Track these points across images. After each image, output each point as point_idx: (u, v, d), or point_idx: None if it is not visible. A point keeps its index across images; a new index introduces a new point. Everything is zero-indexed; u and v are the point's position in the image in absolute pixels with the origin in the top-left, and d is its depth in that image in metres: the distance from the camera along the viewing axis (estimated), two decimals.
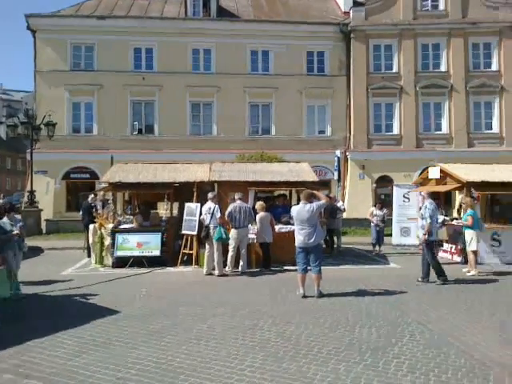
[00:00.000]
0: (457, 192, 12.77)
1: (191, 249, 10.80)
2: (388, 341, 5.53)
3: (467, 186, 11.50)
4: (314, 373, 4.58)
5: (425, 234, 9.08)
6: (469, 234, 10.09)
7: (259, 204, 10.74)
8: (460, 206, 12.66)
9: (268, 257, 10.57)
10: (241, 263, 10.17)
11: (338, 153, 20.39)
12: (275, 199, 12.98)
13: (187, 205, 10.97)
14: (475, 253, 10.04)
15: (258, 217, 10.50)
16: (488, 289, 8.65)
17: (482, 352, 5.19)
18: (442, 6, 24.66)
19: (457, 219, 12.35)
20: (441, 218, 11.30)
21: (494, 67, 24.33)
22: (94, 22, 23.65)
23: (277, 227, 10.95)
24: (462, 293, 8.22)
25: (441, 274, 8.99)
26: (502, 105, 24.11)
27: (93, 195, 13.58)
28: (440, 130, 24.49)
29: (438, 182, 13.03)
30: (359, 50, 24.46)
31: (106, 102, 23.56)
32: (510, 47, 24.09)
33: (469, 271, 9.95)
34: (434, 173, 12.89)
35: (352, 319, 6.46)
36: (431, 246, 9.14)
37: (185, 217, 10.89)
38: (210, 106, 24.48)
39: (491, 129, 24.36)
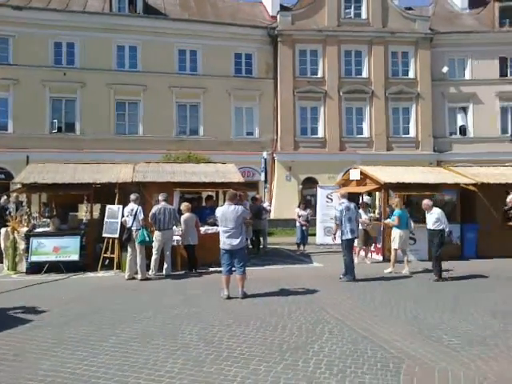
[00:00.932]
0: (377, 193, 13.35)
1: (113, 252, 10.41)
2: (308, 339, 5.63)
3: (384, 188, 12.07)
4: (234, 375, 4.55)
5: (334, 234, 9.70)
6: (394, 233, 10.53)
7: (184, 205, 10.57)
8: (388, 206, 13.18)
9: (193, 259, 10.43)
10: (165, 266, 9.96)
11: (264, 154, 20.63)
12: (204, 201, 12.87)
13: (108, 207, 10.56)
14: (395, 251, 10.52)
15: (182, 218, 10.33)
16: (402, 285, 9.10)
17: (396, 346, 5.42)
18: (364, 15, 25.75)
19: (379, 219, 12.89)
20: (364, 216, 11.72)
21: (411, 75, 25.80)
22: (10, 12, 22.22)
23: (203, 229, 10.86)
24: (379, 289, 8.59)
25: (348, 272, 9.36)
26: (418, 111, 25.61)
27: (5, 197, 12.71)
28: (362, 133, 25.57)
29: (359, 183, 13.57)
30: (286, 54, 24.94)
31: (23, 98, 22.17)
32: (425, 57, 25.66)
33: (403, 268, 10.32)
34: (354, 174, 13.42)
35: (275, 319, 6.51)
36: (345, 244, 9.53)
37: (106, 219, 10.48)
38: (135, 104, 23.84)
39: (408, 133, 25.80)
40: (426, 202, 9.96)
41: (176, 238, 10.42)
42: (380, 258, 12.09)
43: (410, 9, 28.40)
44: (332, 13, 25.34)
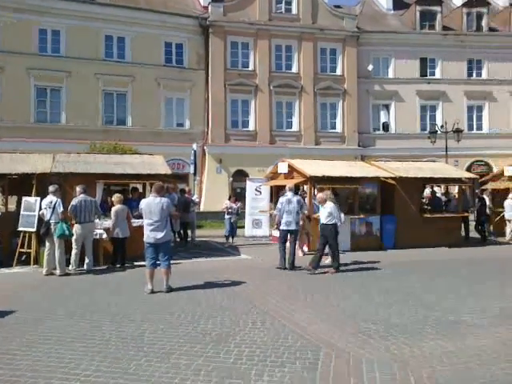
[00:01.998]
0: (305, 186, 13.60)
1: (30, 247, 9.86)
2: (231, 331, 5.65)
3: (310, 181, 12.39)
4: (154, 370, 4.46)
5: (277, 224, 10.16)
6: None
7: (116, 196, 10.15)
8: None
9: (122, 252, 10.09)
10: (86, 261, 9.59)
11: (194, 146, 20.43)
12: (130, 192, 12.49)
13: (25, 199, 9.97)
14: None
15: (113, 209, 9.94)
16: (326, 277, 9.39)
17: (316, 334, 5.59)
18: (294, 11, 26.15)
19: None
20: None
21: (339, 72, 26.60)
22: None
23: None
24: (305, 280, 8.82)
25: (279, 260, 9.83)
26: (344, 107, 26.49)
27: None
28: (291, 127, 26.05)
29: (287, 176, 13.82)
30: (217, 45, 24.79)
31: None
32: (351, 54, 26.55)
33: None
34: (282, 168, 13.64)
35: (199, 312, 6.48)
36: (281, 234, 9.97)
37: (22, 212, 9.89)
38: (58, 91, 22.70)
39: (335, 128, 26.64)
40: (320, 195, 9.94)
41: (99, 231, 10.04)
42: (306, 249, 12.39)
43: (338, 7, 29.25)
44: (263, 6, 25.49)
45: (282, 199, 10.02)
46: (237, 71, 25.17)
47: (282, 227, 9.90)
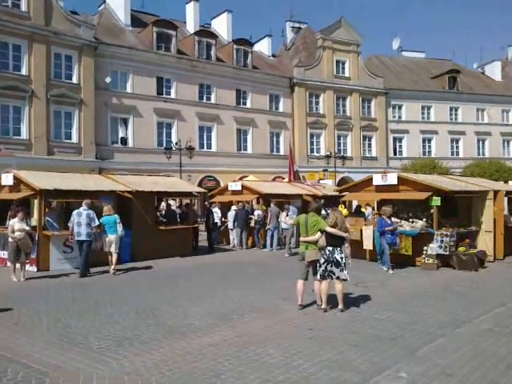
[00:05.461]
0: (35, 200, 12.37)
1: None
2: None
3: (40, 194, 11.43)
4: None
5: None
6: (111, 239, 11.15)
7: None
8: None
9: None
10: None
11: None
12: None
13: None
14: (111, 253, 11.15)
15: None
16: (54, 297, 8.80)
17: (40, 359, 5.18)
18: (24, 8, 23.85)
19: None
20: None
21: (75, 80, 25.40)
22: None
23: None
24: (31, 301, 8.06)
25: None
26: (81, 117, 25.42)
27: None
28: (19, 135, 23.54)
29: (12, 189, 12.41)
30: None
31: None
32: (88, 64, 25.73)
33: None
34: (6, 179, 12.19)
35: None
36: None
37: None
38: None
39: (71, 139, 25.28)
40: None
41: None
42: (34, 268, 11.34)
43: (75, 13, 28.06)
44: None
45: (74, 212, 10.80)
46: None
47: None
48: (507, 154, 40.07)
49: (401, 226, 12.37)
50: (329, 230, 7.26)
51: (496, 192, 13.35)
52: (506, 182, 20.57)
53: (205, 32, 31.72)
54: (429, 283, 9.89)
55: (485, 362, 5.09)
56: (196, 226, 15.77)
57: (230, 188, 18.47)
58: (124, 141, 27.21)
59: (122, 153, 26.90)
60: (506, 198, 14.46)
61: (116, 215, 11.29)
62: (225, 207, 17.99)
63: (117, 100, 27.00)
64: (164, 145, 26.92)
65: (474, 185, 14.01)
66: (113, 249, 11.12)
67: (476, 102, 39.37)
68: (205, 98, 30.34)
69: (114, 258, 11.15)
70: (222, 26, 35.24)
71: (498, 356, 5.28)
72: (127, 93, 27.40)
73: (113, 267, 11.09)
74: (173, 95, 29.00)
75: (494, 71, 43.11)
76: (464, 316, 7.02)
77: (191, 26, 33.06)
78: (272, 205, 15.98)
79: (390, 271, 11.14)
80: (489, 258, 12.47)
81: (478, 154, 38.88)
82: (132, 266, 12.28)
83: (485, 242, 12.83)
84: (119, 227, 11.22)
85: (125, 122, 27.42)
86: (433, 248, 11.69)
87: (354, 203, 18.78)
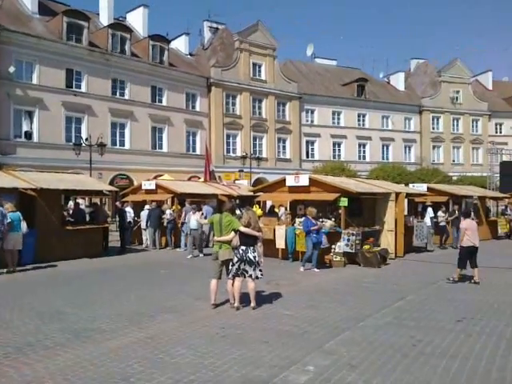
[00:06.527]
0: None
1: None
2: None
3: None
4: None
5: None
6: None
7: None
8: None
9: None
10: None
11: None
12: None
13: None
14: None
15: None
16: None
17: None
18: None
19: None
20: None
21: None
22: None
23: None
24: None
25: None
26: None
27: None
28: None
29: None
30: None
31: None
32: None
33: None
34: None
35: None
36: None
37: None
38: None
39: None
40: None
41: None
42: None
43: None
44: None
45: None
46: None
47: None
48: (408, 159, 43.15)
49: (324, 226, 12.65)
50: (242, 229, 7.35)
51: (397, 194, 14.32)
52: (406, 184, 22.18)
53: (119, 25, 30.69)
54: (336, 280, 10.38)
55: (384, 353, 5.44)
56: (106, 225, 15.19)
57: (143, 187, 18.03)
58: (28, 135, 25.47)
59: (26, 148, 25.18)
60: (406, 200, 15.57)
61: (18, 212, 10.71)
62: (138, 207, 17.51)
63: (21, 91, 25.22)
64: (73, 140, 25.57)
65: (378, 187, 14.92)
66: (16, 247, 10.49)
67: (381, 109, 42.04)
68: (118, 93, 29.35)
69: (15, 257, 10.48)
70: (137, 20, 34.32)
71: (397, 346, 5.67)
72: (33, 84, 25.72)
73: (12, 268, 10.41)
74: (83, 89, 27.69)
75: (398, 81, 46.29)
76: (368, 310, 7.45)
77: (105, 19, 31.74)
78: (187, 204, 15.83)
79: (315, 269, 11.40)
80: (390, 255, 13.35)
81: (383, 159, 41.50)
82: (35, 267, 11.55)
83: (387, 240, 13.71)
84: (24, 224, 10.68)
85: (30, 115, 25.70)
86: (340, 246, 12.28)
87: (269, 203, 19.17)
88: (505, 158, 35.62)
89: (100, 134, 24.03)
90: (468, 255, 9.90)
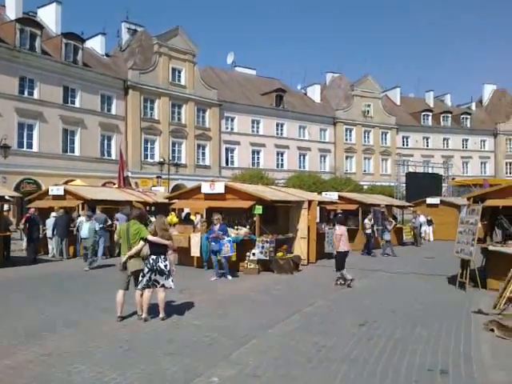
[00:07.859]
0: None
1: None
2: None
3: None
4: None
5: None
6: None
7: None
8: None
9: None
10: None
11: None
12: None
13: None
14: None
15: None
16: None
17: None
18: None
19: None
20: None
21: None
22: None
23: None
24: None
25: None
26: None
27: None
28: None
29: None
30: None
31: None
32: None
33: None
34: None
35: None
36: None
37: None
38: None
39: None
40: None
41: None
42: None
43: None
44: None
45: None
46: None
47: None
48: (323, 168, 44.77)
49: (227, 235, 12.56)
50: (150, 238, 7.14)
51: (310, 202, 14.76)
52: (319, 193, 22.95)
53: (29, 20, 28.90)
54: (249, 287, 10.43)
55: (289, 359, 5.52)
56: (8, 234, 14.12)
57: (50, 192, 16.94)
58: None
59: None
60: (318, 208, 16.10)
61: None
62: (44, 213, 16.44)
63: None
64: None
65: (292, 195, 15.29)
66: None
67: (299, 119, 43.33)
68: (26, 92, 27.55)
69: None
70: (49, 16, 32.55)
71: (301, 352, 5.79)
72: None
73: None
74: None
75: (315, 93, 48.01)
76: (277, 317, 7.55)
77: (12, 12, 29.72)
78: (98, 211, 15.17)
79: (229, 277, 11.37)
80: (303, 261, 13.70)
81: (300, 167, 42.72)
82: None
83: (300, 247, 14.07)
84: None
85: None
86: (255, 254, 12.39)
87: (186, 211, 18.92)
88: (410, 169, 38.23)
89: (4, 135, 22.39)
90: (344, 258, 10.65)
